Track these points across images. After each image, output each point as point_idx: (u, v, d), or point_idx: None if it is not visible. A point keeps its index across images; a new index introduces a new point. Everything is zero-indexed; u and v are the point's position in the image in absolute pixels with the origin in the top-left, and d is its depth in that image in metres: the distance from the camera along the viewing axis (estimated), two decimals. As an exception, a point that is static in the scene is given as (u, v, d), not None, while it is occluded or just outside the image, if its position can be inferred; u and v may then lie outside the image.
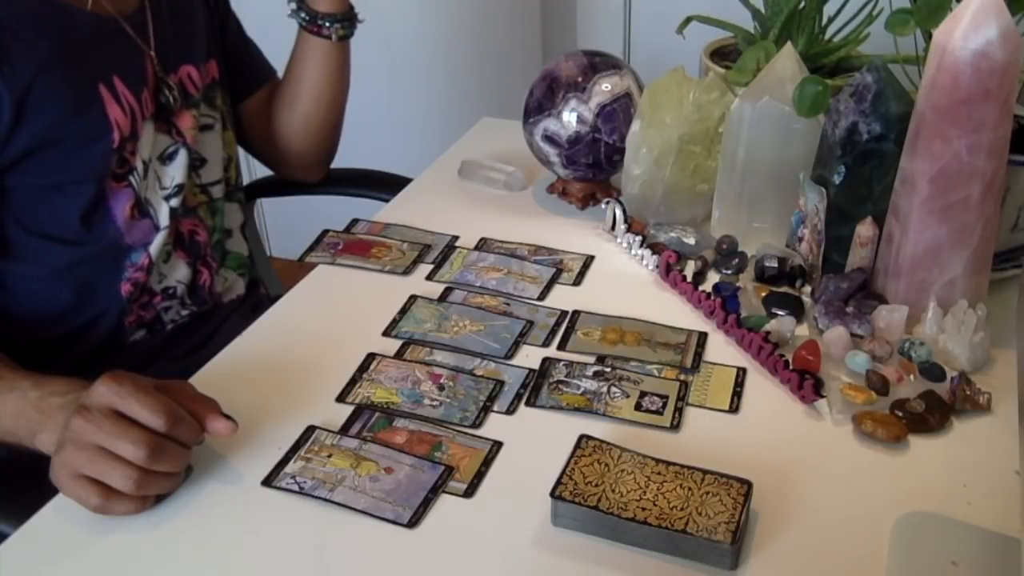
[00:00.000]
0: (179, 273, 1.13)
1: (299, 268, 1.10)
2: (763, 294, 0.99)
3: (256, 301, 1.26)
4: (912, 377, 0.86)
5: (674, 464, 0.74)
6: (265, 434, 0.82)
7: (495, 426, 0.83)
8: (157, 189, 1.08)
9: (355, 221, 1.18)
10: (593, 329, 0.96)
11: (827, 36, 1.21)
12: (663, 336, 0.94)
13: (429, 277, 1.06)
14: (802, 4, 1.15)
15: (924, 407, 0.82)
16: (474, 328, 0.96)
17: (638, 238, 1.09)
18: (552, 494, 0.72)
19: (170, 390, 0.75)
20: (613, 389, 0.87)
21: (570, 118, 1.11)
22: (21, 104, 0.93)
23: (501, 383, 0.88)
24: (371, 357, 0.92)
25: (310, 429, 0.82)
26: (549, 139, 1.14)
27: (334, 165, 1.39)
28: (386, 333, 0.96)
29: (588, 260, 1.09)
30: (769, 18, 1.18)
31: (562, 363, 0.91)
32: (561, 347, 0.94)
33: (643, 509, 0.70)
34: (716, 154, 1.09)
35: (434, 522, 0.74)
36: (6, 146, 0.94)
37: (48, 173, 0.98)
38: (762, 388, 0.88)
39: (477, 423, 0.83)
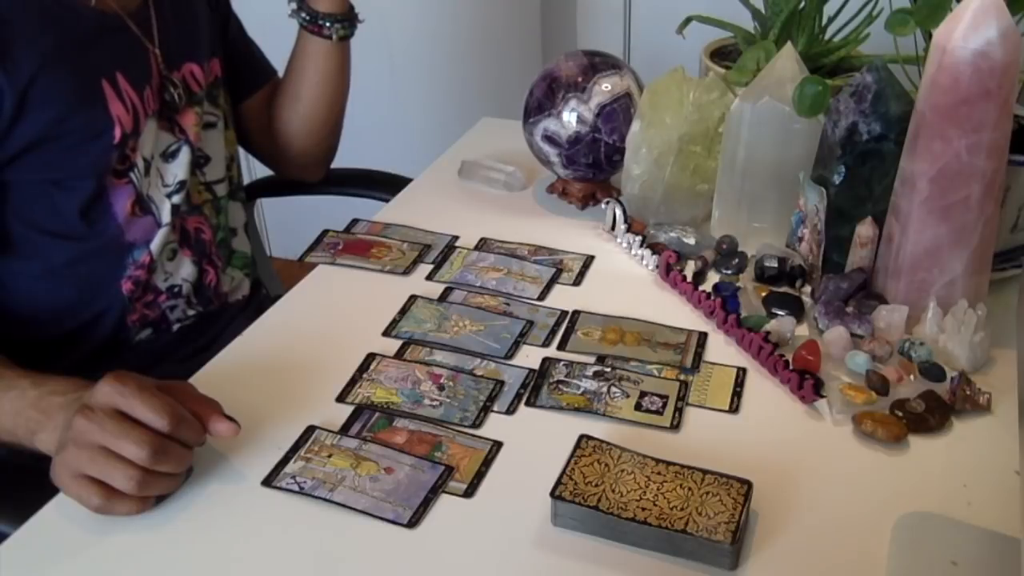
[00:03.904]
0: (185, 271, 1.13)
1: (299, 268, 1.10)
2: (763, 294, 0.99)
3: (260, 303, 1.26)
4: (912, 377, 0.86)
5: (674, 464, 0.74)
6: (265, 434, 0.82)
7: (495, 426, 0.83)
8: (159, 186, 1.08)
9: (355, 221, 1.18)
10: (593, 329, 0.96)
11: (827, 36, 1.21)
12: (663, 336, 0.95)
13: (429, 277, 1.06)
14: (802, 4, 1.15)
15: (924, 407, 0.82)
16: (474, 328, 0.96)
17: (638, 238, 1.09)
18: (552, 494, 0.72)
19: (172, 391, 0.75)
20: (613, 389, 0.87)
21: (570, 118, 1.11)
22: (23, 99, 0.93)
23: (501, 383, 0.88)
24: (371, 357, 0.92)
25: (310, 429, 0.82)
26: (549, 139, 1.14)
27: (334, 165, 1.39)
28: (386, 333, 0.96)
29: (588, 260, 1.09)
30: (769, 18, 1.18)
31: (562, 363, 0.91)
32: (561, 347, 0.94)
33: (643, 509, 0.70)
34: (716, 154, 1.09)
35: (434, 522, 0.74)
36: (6, 141, 0.94)
37: (48, 168, 0.98)
38: (762, 388, 0.88)
39: (477, 423, 0.83)
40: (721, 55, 1.27)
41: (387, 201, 1.25)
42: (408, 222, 1.17)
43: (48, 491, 0.74)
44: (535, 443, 0.81)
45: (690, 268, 1.05)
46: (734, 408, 0.85)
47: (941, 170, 0.86)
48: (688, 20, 1.23)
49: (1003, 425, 0.82)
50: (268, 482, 0.77)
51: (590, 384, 0.88)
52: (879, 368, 0.87)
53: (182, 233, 1.12)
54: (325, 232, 1.15)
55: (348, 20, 1.21)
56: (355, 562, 0.71)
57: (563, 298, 1.02)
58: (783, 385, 0.87)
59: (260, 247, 1.43)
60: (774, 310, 0.96)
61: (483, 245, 1.12)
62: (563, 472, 0.73)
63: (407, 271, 1.07)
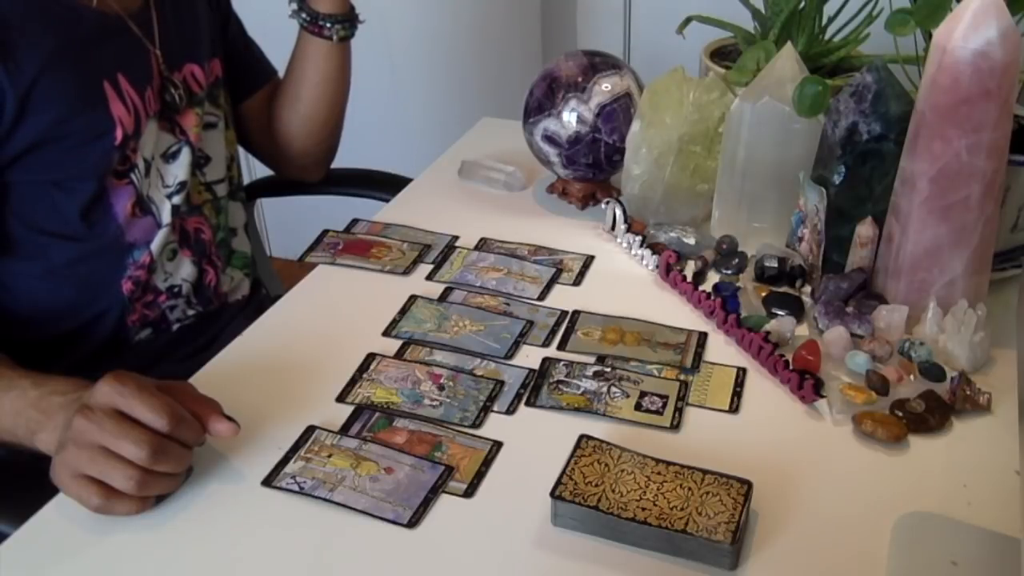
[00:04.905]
0: (184, 271, 1.13)
1: (299, 268, 1.10)
2: (763, 294, 0.99)
3: (260, 303, 1.26)
4: (912, 377, 0.86)
5: (674, 464, 0.74)
6: (265, 434, 0.82)
7: (495, 426, 0.83)
8: (159, 187, 1.08)
9: (355, 221, 1.18)
10: (593, 329, 0.96)
11: (827, 36, 1.21)
12: (663, 336, 0.95)
13: (429, 277, 1.06)
14: (802, 4, 1.15)
15: (924, 407, 0.82)
16: (474, 328, 0.96)
17: (638, 238, 1.09)
18: (552, 494, 0.72)
19: (172, 390, 0.75)
20: (613, 389, 0.87)
21: (570, 118, 1.11)
22: (25, 100, 0.93)
23: (501, 383, 0.88)
24: (371, 357, 0.92)
25: (310, 429, 0.82)
26: (549, 139, 1.14)
27: (334, 165, 1.39)
28: (386, 333, 0.96)
29: (588, 260, 1.09)
30: (769, 18, 1.18)
31: (562, 363, 0.91)
32: (561, 347, 0.94)
33: (643, 509, 0.70)
34: (716, 154, 1.09)
35: (434, 522, 0.74)
36: (8, 142, 0.94)
37: (49, 169, 0.98)
38: (762, 388, 0.88)
39: (477, 423, 0.83)
40: (721, 55, 1.27)
41: (387, 201, 1.25)
42: (408, 222, 1.17)
43: (48, 491, 0.74)
44: (535, 443, 0.81)
45: (690, 268, 1.05)
46: (734, 408, 0.85)
47: (941, 170, 0.86)
48: (688, 20, 1.23)
49: (1003, 425, 0.82)
50: (268, 482, 0.77)
51: (590, 384, 0.88)
52: (879, 368, 0.87)
53: (182, 233, 1.12)
54: (325, 232, 1.15)
55: (349, 21, 1.21)
56: (355, 562, 0.71)
57: (563, 298, 1.02)
58: (783, 385, 0.87)
59: (260, 247, 1.43)
60: (774, 310, 0.96)
61: (483, 245, 1.12)
62: (563, 472, 0.74)
63: (407, 271, 1.07)
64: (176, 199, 1.09)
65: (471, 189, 1.27)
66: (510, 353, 0.92)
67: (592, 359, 0.92)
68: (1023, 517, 0.68)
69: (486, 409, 0.85)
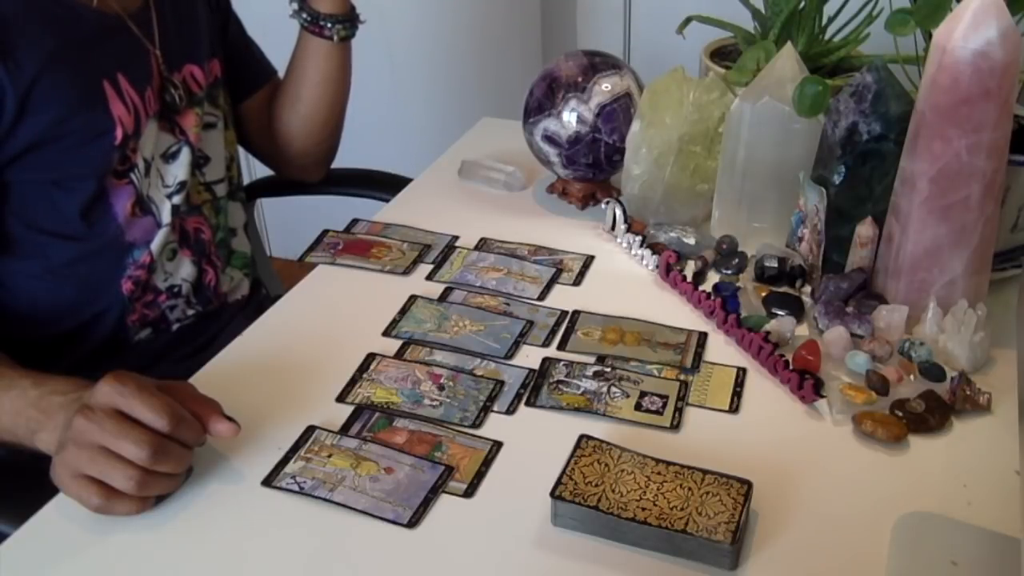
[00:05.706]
0: (184, 271, 1.13)
1: (299, 268, 1.10)
2: (763, 294, 0.99)
3: (260, 303, 1.26)
4: (912, 377, 0.86)
5: (674, 464, 0.74)
6: (265, 434, 0.82)
7: (495, 426, 0.83)
8: (159, 187, 1.08)
9: (355, 221, 1.18)
10: (593, 329, 0.96)
11: (827, 36, 1.21)
12: (663, 336, 0.95)
13: (429, 277, 1.06)
14: (802, 4, 1.15)
15: (924, 407, 0.82)
16: (474, 328, 0.96)
17: (638, 238, 1.09)
18: (552, 494, 0.72)
19: (172, 391, 0.75)
20: (613, 389, 0.87)
21: (570, 118, 1.11)
22: (25, 100, 0.93)
23: (501, 383, 0.88)
24: (371, 357, 0.92)
25: (310, 429, 0.82)
26: (549, 139, 1.14)
27: (334, 165, 1.39)
28: (386, 333, 0.96)
29: (588, 260, 1.09)
30: (769, 18, 1.18)
31: (562, 363, 0.91)
32: (561, 347, 0.94)
33: (643, 509, 0.70)
34: (716, 154, 1.09)
35: (434, 522, 0.74)
36: (8, 141, 0.94)
37: (49, 168, 0.98)
38: (762, 388, 0.88)
39: (477, 423, 0.83)
40: (721, 55, 1.27)
41: (387, 201, 1.25)
42: (408, 222, 1.17)
43: (48, 491, 0.74)
44: (535, 443, 0.81)
45: (690, 268, 1.05)
46: (734, 408, 0.85)
47: (941, 170, 0.86)
48: (688, 20, 1.24)
49: (1003, 425, 0.82)
50: (268, 482, 0.77)
51: (590, 384, 0.88)
52: (879, 368, 0.87)
53: (182, 233, 1.12)
54: (325, 232, 1.15)
55: (349, 21, 1.21)
56: (355, 562, 0.71)
57: (563, 298, 1.02)
58: (783, 385, 0.87)
59: (260, 247, 1.43)
60: (774, 310, 0.96)
61: (483, 245, 1.12)
62: (563, 472, 0.74)
63: (407, 271, 1.07)
64: (176, 199, 1.09)
65: (471, 189, 1.27)
66: (510, 353, 0.92)
67: (592, 359, 0.92)
68: (1023, 517, 0.68)
69: (486, 409, 0.85)
